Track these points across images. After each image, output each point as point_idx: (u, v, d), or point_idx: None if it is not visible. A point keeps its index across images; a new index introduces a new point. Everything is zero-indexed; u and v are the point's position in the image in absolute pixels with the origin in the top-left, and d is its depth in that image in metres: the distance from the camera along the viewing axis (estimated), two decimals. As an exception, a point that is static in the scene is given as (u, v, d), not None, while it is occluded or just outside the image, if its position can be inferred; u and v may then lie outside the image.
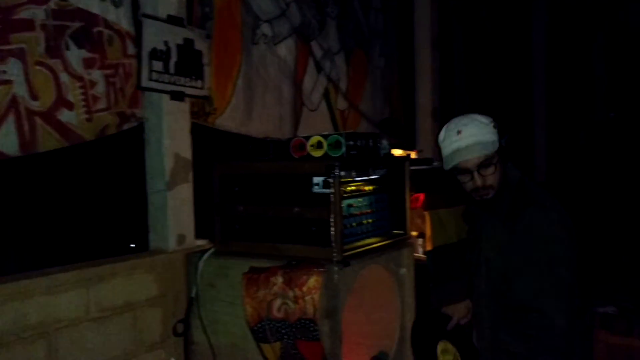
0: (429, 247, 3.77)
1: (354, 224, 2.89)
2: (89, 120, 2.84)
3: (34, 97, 2.62)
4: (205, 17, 3.53)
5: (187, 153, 3.22)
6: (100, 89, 2.89)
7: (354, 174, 2.91)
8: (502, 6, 7.92)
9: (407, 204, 3.19)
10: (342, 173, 2.69)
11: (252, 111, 3.91)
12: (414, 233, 3.60)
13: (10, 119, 2.54)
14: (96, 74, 2.87)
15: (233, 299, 2.82)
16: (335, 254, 2.65)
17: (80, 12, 2.80)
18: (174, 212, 3.14)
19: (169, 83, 3.10)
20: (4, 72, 2.52)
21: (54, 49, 2.69)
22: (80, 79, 2.80)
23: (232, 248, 2.97)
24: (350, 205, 2.87)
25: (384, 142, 3.05)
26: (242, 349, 2.83)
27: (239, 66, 3.81)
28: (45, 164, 2.84)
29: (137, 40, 2.99)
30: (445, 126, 2.35)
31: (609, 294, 4.16)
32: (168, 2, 3.11)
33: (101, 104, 2.89)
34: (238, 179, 2.96)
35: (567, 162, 9.57)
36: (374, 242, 2.96)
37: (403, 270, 3.16)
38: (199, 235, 3.28)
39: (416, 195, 3.70)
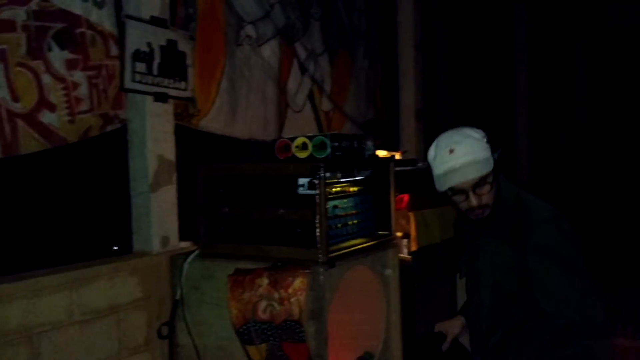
0: (413, 248, 3.79)
1: (339, 225, 2.89)
2: (71, 122, 2.82)
3: (16, 98, 2.59)
4: (188, 19, 3.51)
5: (170, 155, 3.20)
6: (83, 90, 2.86)
7: (339, 175, 2.92)
8: (484, 8, 7.98)
9: (392, 205, 3.19)
10: (327, 174, 2.69)
11: (237, 113, 3.90)
12: (399, 234, 3.61)
13: (-8, 120, 2.51)
14: (79, 76, 2.84)
15: (218, 301, 2.81)
16: (320, 255, 2.65)
17: (62, 12, 2.77)
18: (158, 214, 3.12)
19: (153, 84, 3.08)
20: (-15, 73, 2.49)
21: (35, 50, 2.66)
22: (62, 80, 2.77)
23: (217, 250, 2.95)
24: (335, 207, 2.87)
25: (369, 143, 3.05)
26: (228, 351, 2.82)
27: (222, 67, 3.80)
28: (27, 166, 2.81)
29: (120, 41, 2.97)
30: (434, 143, 2.24)
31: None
32: (151, 3, 3.09)
33: (84, 106, 2.87)
34: (223, 180, 2.95)
35: (549, 163, 9.67)
36: (359, 243, 2.96)
37: (388, 271, 3.17)
38: (183, 237, 3.26)
39: (401, 196, 3.71)
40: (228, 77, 3.83)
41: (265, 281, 2.64)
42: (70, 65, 2.81)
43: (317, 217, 2.64)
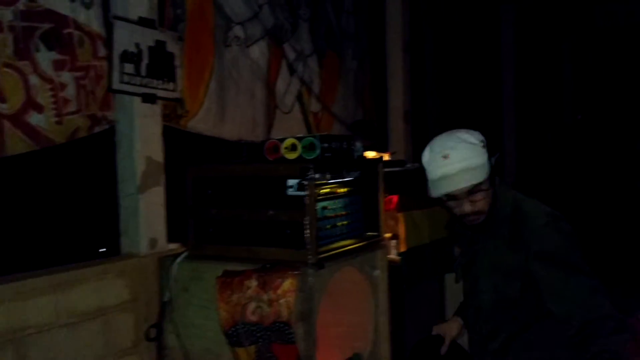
0: (402, 249, 3.80)
1: (328, 226, 2.89)
2: (59, 123, 2.80)
3: (2, 99, 2.57)
4: (177, 19, 3.50)
5: (159, 156, 3.19)
6: (70, 91, 2.84)
7: (328, 176, 2.91)
8: (471, 9, 8.02)
9: (381, 206, 3.20)
10: (317, 175, 2.69)
11: (225, 114, 3.89)
12: (388, 235, 3.62)
13: (-22, 122, 2.49)
14: (66, 76, 2.83)
15: (207, 302, 2.80)
16: (310, 257, 2.65)
17: (49, 13, 2.75)
18: (146, 216, 3.10)
19: (141, 85, 3.07)
20: (-29, 74, 2.47)
21: (23, 51, 2.64)
22: (50, 81, 2.75)
23: (206, 251, 2.94)
24: (324, 208, 2.87)
25: (358, 145, 3.05)
26: (216, 353, 2.81)
27: (211, 68, 3.79)
28: (14, 168, 2.79)
29: (108, 42, 2.96)
30: (428, 146, 2.18)
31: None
32: (139, 3, 3.07)
33: (72, 107, 2.85)
34: (211, 181, 2.94)
35: (536, 163, 9.73)
36: (348, 244, 2.96)
37: (377, 272, 3.17)
38: (171, 239, 3.25)
39: (389, 197, 3.72)
40: (216, 78, 3.82)
41: (254, 283, 2.63)
42: (58, 65, 2.79)
43: (307, 218, 2.64)
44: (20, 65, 2.63)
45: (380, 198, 3.19)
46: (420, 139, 5.81)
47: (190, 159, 3.09)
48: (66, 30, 2.83)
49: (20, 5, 2.63)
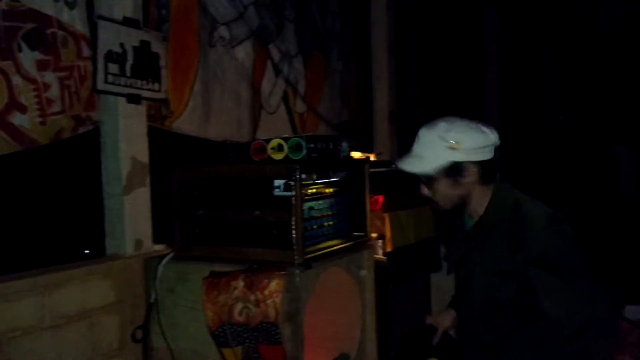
0: (388, 249, 3.81)
1: (315, 227, 2.89)
2: (42, 123, 2.77)
3: (-15, 100, 2.54)
4: (161, 20, 3.48)
5: (144, 157, 3.17)
6: (54, 91, 2.82)
7: (314, 176, 2.92)
8: (455, 10, 8.07)
9: (367, 206, 3.21)
10: (303, 176, 2.69)
11: (210, 114, 3.88)
12: (374, 235, 3.63)
13: (-40, 122, 2.46)
14: (50, 77, 2.80)
15: (193, 303, 2.79)
16: (296, 257, 2.65)
17: (33, 13, 2.72)
18: (131, 217, 3.09)
19: (125, 86, 3.05)
20: (-47, 74, 2.44)
21: (5, 51, 2.61)
22: (33, 81, 2.72)
23: (192, 252, 2.93)
24: (311, 208, 2.87)
25: (344, 145, 3.06)
26: (203, 354, 2.80)
27: (196, 69, 3.77)
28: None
29: (93, 42, 2.94)
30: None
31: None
32: (124, 3, 3.05)
33: (55, 107, 2.83)
34: (197, 182, 2.93)
35: (519, 163, 9.79)
36: (335, 245, 2.96)
37: (363, 272, 3.18)
38: (157, 240, 3.23)
39: (376, 197, 3.73)
40: (201, 79, 3.80)
41: (241, 283, 2.63)
42: (41, 66, 2.76)
43: (293, 218, 2.64)
44: (2, 65, 2.60)
45: (366, 198, 3.20)
46: (405, 140, 5.82)
47: (175, 160, 3.07)
48: (49, 30, 2.80)
49: (3, 5, 2.60)
